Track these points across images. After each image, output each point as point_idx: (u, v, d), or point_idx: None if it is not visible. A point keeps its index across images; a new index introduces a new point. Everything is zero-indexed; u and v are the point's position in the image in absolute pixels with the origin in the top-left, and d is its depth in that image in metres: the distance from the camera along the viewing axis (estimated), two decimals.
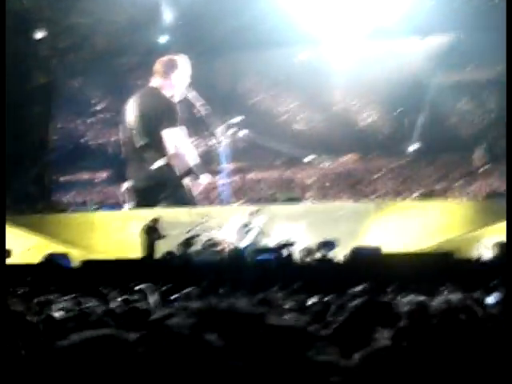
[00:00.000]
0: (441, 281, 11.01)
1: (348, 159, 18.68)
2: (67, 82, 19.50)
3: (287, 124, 18.96)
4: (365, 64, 18.16)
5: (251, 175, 18.90)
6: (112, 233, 16.72)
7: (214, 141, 17.37)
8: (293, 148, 18.48)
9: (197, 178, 17.40)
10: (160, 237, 15.12)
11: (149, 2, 18.10)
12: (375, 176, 17.92)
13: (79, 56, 19.23)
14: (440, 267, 12.73)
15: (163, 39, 18.73)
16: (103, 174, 19.29)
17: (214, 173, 17.75)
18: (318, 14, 17.34)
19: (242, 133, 17.61)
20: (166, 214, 16.03)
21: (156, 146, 16.95)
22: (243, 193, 18.55)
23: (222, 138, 16.88)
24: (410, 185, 18.02)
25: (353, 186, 18.47)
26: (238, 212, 16.04)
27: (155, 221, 15.43)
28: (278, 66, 18.34)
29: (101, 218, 17.28)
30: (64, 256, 14.66)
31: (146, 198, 16.99)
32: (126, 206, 17.60)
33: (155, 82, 17.55)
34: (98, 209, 17.56)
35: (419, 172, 18.17)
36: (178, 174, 17.13)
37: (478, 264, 13.24)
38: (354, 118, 18.61)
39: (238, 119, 17.31)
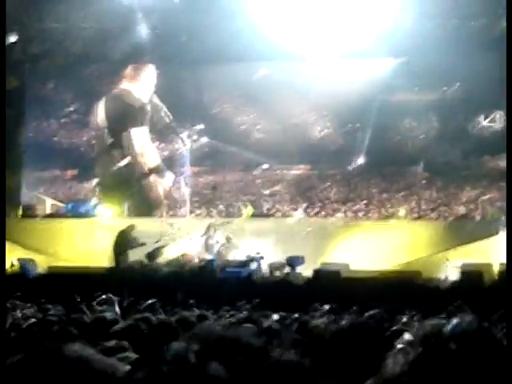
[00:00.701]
0: (405, 301, 11.09)
1: (301, 169, 19.60)
2: (40, 85, 19.69)
3: (246, 133, 19.83)
4: (320, 81, 18.70)
5: (211, 178, 19.70)
6: (79, 240, 16.63)
7: (177, 145, 18.09)
8: (251, 155, 19.45)
9: (162, 176, 17.98)
10: (136, 245, 15.00)
11: (122, 12, 18.20)
12: (325, 185, 18.66)
13: (52, 61, 19.21)
14: (404, 287, 12.83)
15: (134, 49, 19.32)
16: (73, 172, 19.72)
17: (177, 174, 18.41)
18: (277, 32, 17.78)
19: (204, 139, 18.52)
20: (136, 223, 15.95)
21: (123, 145, 17.66)
22: (203, 195, 19.15)
23: (185, 142, 17.68)
24: (356, 194, 19.00)
25: (303, 193, 19.20)
26: (206, 223, 16.04)
27: (131, 227, 15.33)
28: (240, 79, 19.25)
29: (68, 226, 17.16)
30: (30, 262, 14.53)
31: (113, 193, 17.59)
32: (93, 201, 17.90)
33: (124, 85, 18.22)
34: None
35: (365, 183, 19.13)
36: (144, 171, 17.70)
37: (442, 285, 13.36)
38: (309, 130, 19.45)
39: (200, 126, 18.23)
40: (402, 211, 17.58)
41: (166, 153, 18.81)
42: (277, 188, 19.29)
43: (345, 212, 18.32)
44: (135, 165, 17.73)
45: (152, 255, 14.91)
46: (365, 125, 18.69)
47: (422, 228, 16.52)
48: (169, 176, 18.20)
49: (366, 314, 5.02)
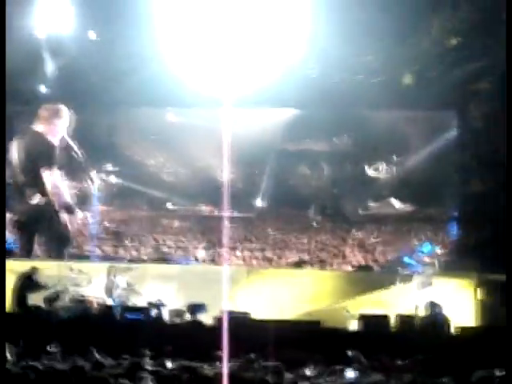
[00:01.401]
0: (308, 349, 11.19)
1: (204, 209, 21.14)
2: None
3: (155, 174, 21.28)
4: (227, 127, 19.51)
5: (119, 215, 21.02)
6: None
7: (87, 183, 18.81)
8: (158, 195, 21.12)
9: (73, 213, 18.50)
10: (39, 288, 14.71)
11: (31, 51, 18.09)
12: (227, 225, 19.64)
13: None
14: (307, 335, 12.94)
15: (44, 89, 19.36)
16: None
17: (87, 212, 19.21)
18: (188, 79, 18.31)
19: (114, 179, 19.82)
20: (37, 265, 15.62)
21: (35, 184, 18.14)
22: (110, 233, 20.23)
23: (94, 181, 18.45)
24: (255, 234, 20.65)
25: (203, 233, 20.53)
26: (107, 267, 15.82)
27: (33, 270, 15.02)
28: (150, 123, 20.60)
29: None
30: None
31: (25, 230, 18.13)
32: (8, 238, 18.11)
33: (39, 127, 18.39)
34: None
35: (264, 223, 20.93)
36: (55, 208, 18.12)
37: (343, 334, 13.54)
38: (215, 173, 20.82)
39: (110, 166, 19.64)
40: (301, 258, 18.11)
41: (76, 191, 19.40)
42: (179, 225, 20.66)
43: (242, 251, 19.46)
44: (46, 203, 18.10)
45: (51, 299, 14.58)
46: (262, 171, 20.68)
47: (324, 277, 16.71)
48: (79, 214, 18.92)
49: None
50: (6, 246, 17.89)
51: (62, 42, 18.06)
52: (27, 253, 17.71)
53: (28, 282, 14.74)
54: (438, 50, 17.67)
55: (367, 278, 16.41)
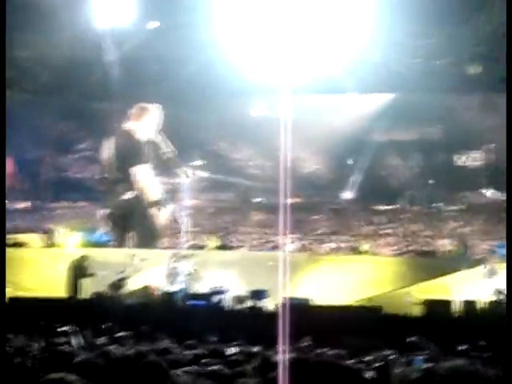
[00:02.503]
0: (370, 335, 11.13)
1: (292, 201, 20.19)
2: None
3: (242, 168, 21.80)
4: (312, 117, 19.26)
5: (209, 209, 21.49)
6: (41, 270, 16.47)
7: (179, 178, 19.31)
8: (245, 189, 21.62)
9: (162, 207, 19.06)
10: (87, 275, 15.05)
11: (94, 43, 18.31)
12: (315, 217, 19.38)
13: (23, 89, 19.43)
14: (369, 321, 12.88)
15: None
16: (82, 204, 21.90)
17: (177, 206, 19.49)
18: (269, 68, 18.07)
19: (202, 174, 20.09)
20: (97, 253, 15.90)
21: (127, 180, 18.87)
22: (201, 224, 20.55)
23: (188, 175, 18.97)
24: (343, 226, 20.30)
25: (288, 225, 20.09)
26: (170, 255, 16.01)
27: (83, 258, 15.37)
28: (233, 118, 21.10)
29: (30, 255, 17.03)
30: None
31: (118, 224, 18.91)
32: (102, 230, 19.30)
33: (130, 124, 19.08)
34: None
35: (352, 216, 20.59)
36: (145, 203, 18.83)
37: (406, 320, 13.44)
38: (302, 165, 20.73)
39: (198, 162, 19.91)
40: (365, 245, 17.82)
41: (166, 185, 20.10)
42: (265, 217, 20.58)
43: (334, 242, 19.16)
44: (137, 198, 18.90)
45: (116, 286, 14.82)
46: (351, 161, 20.37)
47: (386, 263, 16.62)
48: (168, 209, 19.35)
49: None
50: (101, 237, 19.13)
51: (124, 32, 18.21)
52: (120, 244, 18.49)
53: (79, 269, 15.14)
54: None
55: (431, 264, 16.26)
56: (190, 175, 18.95)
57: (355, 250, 17.79)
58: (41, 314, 11.43)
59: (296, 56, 17.64)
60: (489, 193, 19.97)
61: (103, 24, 18.67)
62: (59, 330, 7.41)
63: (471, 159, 19.58)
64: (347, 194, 20.37)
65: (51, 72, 18.95)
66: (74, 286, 14.99)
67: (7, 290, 15.06)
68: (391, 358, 6.60)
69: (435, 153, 19.88)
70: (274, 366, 4.14)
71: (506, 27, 13.87)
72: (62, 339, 6.64)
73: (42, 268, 16.53)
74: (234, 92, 19.16)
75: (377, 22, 16.94)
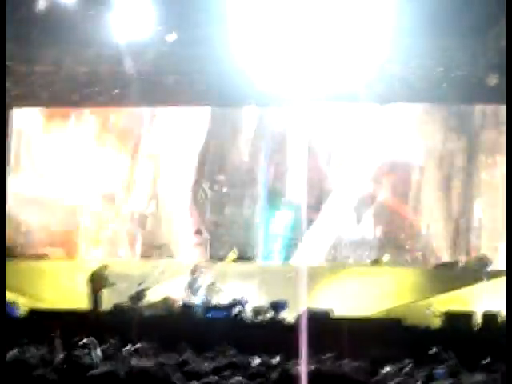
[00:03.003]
0: (390, 347, 11.07)
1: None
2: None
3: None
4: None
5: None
6: (61, 282, 16.53)
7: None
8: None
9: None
10: (107, 285, 15.01)
11: (113, 55, 18.38)
12: None
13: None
14: (389, 333, 12.82)
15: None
16: None
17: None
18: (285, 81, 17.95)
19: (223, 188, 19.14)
20: (116, 265, 15.94)
21: None
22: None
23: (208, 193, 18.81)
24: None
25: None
26: (190, 266, 16.02)
27: (103, 267, 15.33)
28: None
29: (50, 266, 17.09)
30: (12, 303, 14.41)
31: None
32: None
33: None
34: None
35: None
36: None
37: (426, 332, 13.36)
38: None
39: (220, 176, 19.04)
40: (386, 256, 17.66)
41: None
42: None
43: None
44: None
45: (136, 297, 14.84)
46: None
47: (405, 274, 16.52)
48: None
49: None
50: None
51: (142, 45, 18.27)
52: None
53: (100, 279, 15.03)
54: None
55: (451, 275, 16.16)
56: (209, 192, 18.70)
57: (375, 262, 17.68)
58: (62, 325, 11.46)
59: (313, 69, 17.56)
60: None
61: (121, 37, 18.70)
62: (80, 342, 7.44)
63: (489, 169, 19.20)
64: None
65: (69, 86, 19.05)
66: (95, 297, 14.96)
67: (27, 301, 15.16)
68: (411, 370, 6.57)
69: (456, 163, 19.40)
70: (293, 378, 4.13)
71: (506, 27, 13.80)
72: (83, 351, 6.66)
73: (63, 280, 16.59)
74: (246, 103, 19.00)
75: (396, 36, 16.92)
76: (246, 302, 14.59)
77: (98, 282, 15.08)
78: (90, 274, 15.31)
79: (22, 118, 19.53)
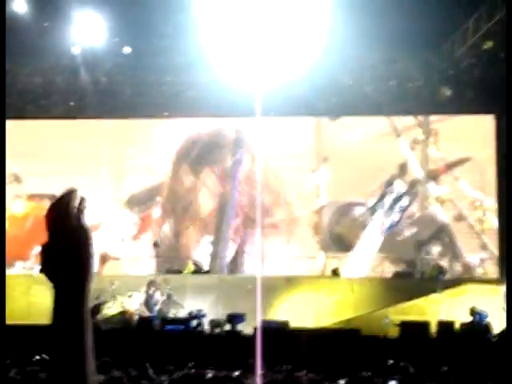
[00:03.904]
0: (348, 357, 11.13)
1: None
2: None
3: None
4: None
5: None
6: (16, 297, 16.29)
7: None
8: None
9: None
10: None
11: (68, 65, 18.30)
12: None
13: None
14: (347, 343, 12.88)
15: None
16: None
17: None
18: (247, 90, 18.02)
19: None
20: None
21: None
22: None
23: None
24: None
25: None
26: (146, 280, 15.92)
27: None
28: None
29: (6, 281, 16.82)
30: None
31: None
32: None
33: None
34: None
35: None
36: None
37: (383, 341, 13.45)
38: None
39: None
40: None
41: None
42: None
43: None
44: None
45: (92, 312, 14.70)
46: None
47: (362, 285, 16.61)
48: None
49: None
50: None
51: (98, 56, 18.21)
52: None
53: None
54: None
55: (406, 285, 16.28)
56: None
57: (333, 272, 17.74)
58: (17, 342, 11.30)
59: (267, 79, 17.60)
60: None
61: (77, 48, 18.60)
62: (34, 358, 7.34)
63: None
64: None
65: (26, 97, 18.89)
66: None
67: None
68: (367, 380, 6.61)
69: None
70: None
71: (506, 27, 13.96)
72: (37, 367, 6.58)
73: (16, 295, 16.36)
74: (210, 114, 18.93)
75: (348, 45, 17.11)
76: (203, 315, 14.55)
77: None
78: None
79: None
